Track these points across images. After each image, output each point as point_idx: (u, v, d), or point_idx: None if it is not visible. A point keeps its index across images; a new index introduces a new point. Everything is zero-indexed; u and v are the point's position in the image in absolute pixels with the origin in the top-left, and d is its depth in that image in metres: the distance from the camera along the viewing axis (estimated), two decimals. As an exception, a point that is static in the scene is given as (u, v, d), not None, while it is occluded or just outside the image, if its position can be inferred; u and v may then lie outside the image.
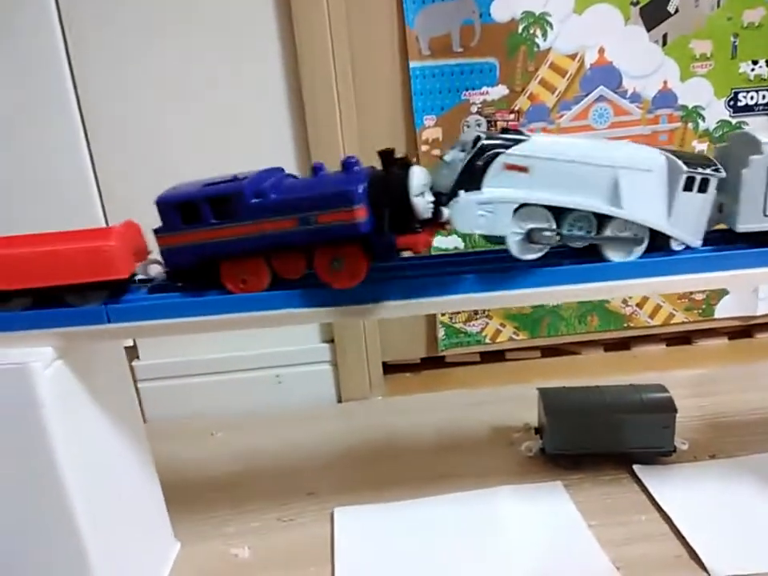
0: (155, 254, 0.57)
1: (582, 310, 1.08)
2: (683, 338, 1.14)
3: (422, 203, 0.50)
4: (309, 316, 0.55)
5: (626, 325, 1.10)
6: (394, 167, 0.51)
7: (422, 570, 0.66)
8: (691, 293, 1.08)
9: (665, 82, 0.98)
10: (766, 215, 0.55)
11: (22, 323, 0.52)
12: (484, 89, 0.97)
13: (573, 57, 0.96)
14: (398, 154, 0.51)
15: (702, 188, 0.54)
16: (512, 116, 0.98)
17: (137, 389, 0.77)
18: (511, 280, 0.54)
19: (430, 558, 0.67)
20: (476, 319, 1.08)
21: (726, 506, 0.70)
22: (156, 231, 0.54)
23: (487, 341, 1.10)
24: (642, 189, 0.54)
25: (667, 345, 1.14)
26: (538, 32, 0.95)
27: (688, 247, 0.56)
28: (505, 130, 0.54)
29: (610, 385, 0.79)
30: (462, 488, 0.77)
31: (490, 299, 0.55)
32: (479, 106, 0.97)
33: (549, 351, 1.13)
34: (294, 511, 0.77)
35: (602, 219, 0.54)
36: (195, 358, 1.01)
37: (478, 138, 0.52)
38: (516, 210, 0.52)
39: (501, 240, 0.54)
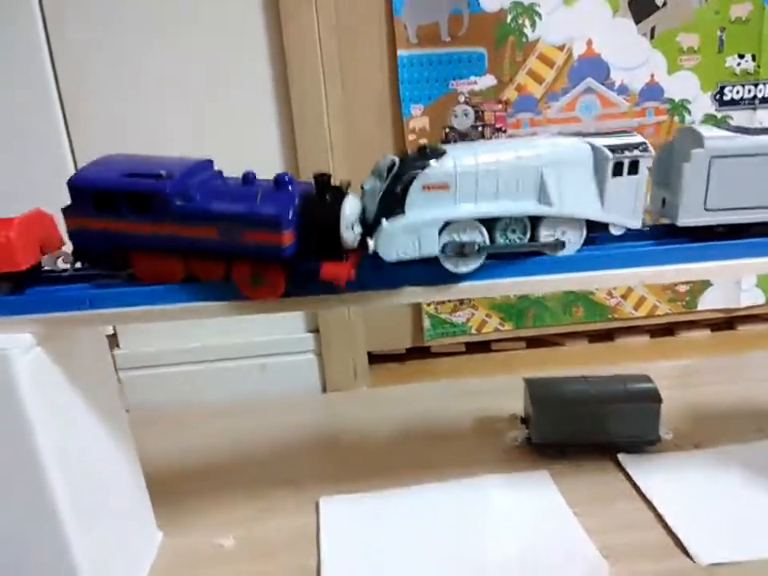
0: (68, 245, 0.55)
1: (567, 300, 1.09)
2: (667, 330, 1.15)
3: (351, 236, 0.50)
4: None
5: (610, 316, 1.11)
6: (329, 195, 0.49)
7: (408, 558, 0.66)
8: (675, 284, 1.09)
9: (652, 75, 0.99)
10: (706, 209, 0.55)
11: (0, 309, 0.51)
12: (472, 78, 0.96)
13: (561, 48, 0.96)
14: (335, 181, 0.50)
15: (632, 170, 0.53)
16: (499, 106, 0.98)
17: (118, 378, 0.76)
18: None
19: (416, 546, 0.67)
20: (462, 309, 1.08)
21: (710, 494, 0.71)
22: (64, 211, 0.52)
23: (473, 331, 1.10)
24: (570, 182, 0.53)
25: (651, 336, 1.15)
26: (527, 22, 0.94)
27: (629, 230, 0.55)
28: (421, 149, 0.52)
29: (595, 375, 0.80)
30: (449, 477, 0.77)
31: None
32: (467, 95, 0.97)
33: (534, 342, 1.14)
34: (278, 501, 0.76)
35: (535, 219, 0.54)
36: (178, 346, 1.00)
37: (393, 163, 0.51)
38: (444, 227, 0.51)
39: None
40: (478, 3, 0.93)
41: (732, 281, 1.09)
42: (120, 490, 0.64)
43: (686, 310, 1.11)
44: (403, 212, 0.50)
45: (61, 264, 0.56)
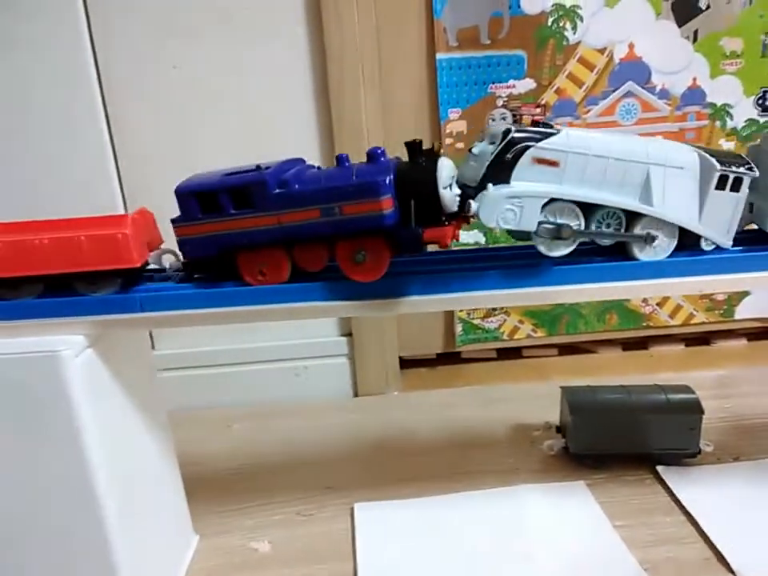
0: (168, 244, 0.56)
1: (602, 308, 1.08)
2: (702, 339, 1.13)
3: (450, 196, 0.49)
4: (330, 310, 0.53)
5: (645, 324, 1.09)
6: (422, 159, 0.49)
7: (444, 568, 0.65)
8: (712, 293, 1.07)
9: (694, 79, 0.97)
10: None
11: (52, 310, 0.52)
12: (511, 82, 0.95)
13: (602, 51, 0.95)
14: (426, 146, 0.50)
15: (735, 187, 0.53)
16: (538, 110, 0.97)
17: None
18: (536, 276, 0.53)
19: (452, 556, 0.66)
20: (494, 315, 1.07)
21: (751, 508, 0.69)
22: (174, 221, 0.53)
23: (504, 337, 1.09)
24: (674, 186, 0.53)
25: (686, 345, 1.13)
26: (568, 25, 0.93)
27: (718, 247, 0.55)
28: (535, 123, 0.52)
29: (635, 384, 0.78)
30: (484, 486, 0.76)
31: (513, 296, 0.54)
32: (505, 99, 0.96)
33: (566, 349, 1.13)
34: (313, 505, 0.76)
35: (632, 216, 0.53)
36: (212, 348, 1.01)
37: (508, 131, 0.50)
38: (545, 205, 0.51)
39: (525, 236, 0.53)
40: (519, 5, 0.92)
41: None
42: (160, 492, 0.65)
43: (722, 319, 1.10)
44: (509, 181, 0.50)
45: (166, 262, 0.56)
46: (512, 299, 0.54)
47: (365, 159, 0.52)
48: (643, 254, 0.54)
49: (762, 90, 0.98)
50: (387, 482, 0.78)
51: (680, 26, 0.95)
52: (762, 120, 0.99)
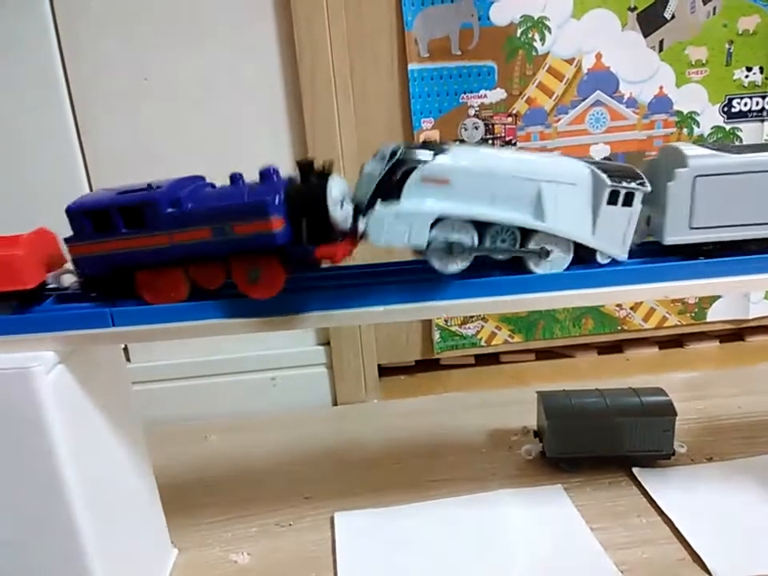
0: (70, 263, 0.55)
1: (577, 313, 1.09)
2: (675, 341, 1.15)
3: (341, 214, 0.49)
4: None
5: (619, 328, 1.11)
6: (312, 177, 0.50)
7: (423, 573, 0.65)
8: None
9: (661, 88, 0.99)
10: (691, 228, 0.55)
11: (22, 327, 0.51)
12: (482, 92, 0.97)
13: (570, 61, 0.97)
14: (317, 165, 0.50)
15: (627, 202, 0.53)
16: (510, 119, 0.98)
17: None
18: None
19: (432, 562, 0.67)
20: (472, 322, 1.08)
21: (726, 508, 0.71)
22: (67, 240, 0.53)
23: (482, 343, 1.10)
24: (566, 202, 0.53)
25: (660, 348, 1.15)
26: (537, 36, 0.95)
27: (614, 260, 0.55)
28: (425, 143, 0.52)
29: (609, 388, 0.80)
30: (463, 492, 0.76)
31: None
32: (477, 109, 0.97)
33: (543, 354, 1.14)
34: (292, 516, 0.76)
35: (526, 232, 0.54)
36: (188, 360, 1.00)
37: (397, 149, 0.51)
38: (436, 223, 0.51)
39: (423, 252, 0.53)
40: (488, 17, 0.93)
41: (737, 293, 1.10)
42: (136, 506, 0.64)
43: (695, 322, 1.12)
44: (398, 199, 0.50)
45: (65, 281, 0.56)
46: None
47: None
48: (539, 268, 0.55)
49: (727, 97, 1.01)
50: (367, 491, 0.79)
51: (646, 36, 0.97)
52: (727, 127, 1.02)
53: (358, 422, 0.98)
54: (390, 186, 0.50)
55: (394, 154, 0.50)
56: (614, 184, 0.53)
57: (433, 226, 0.51)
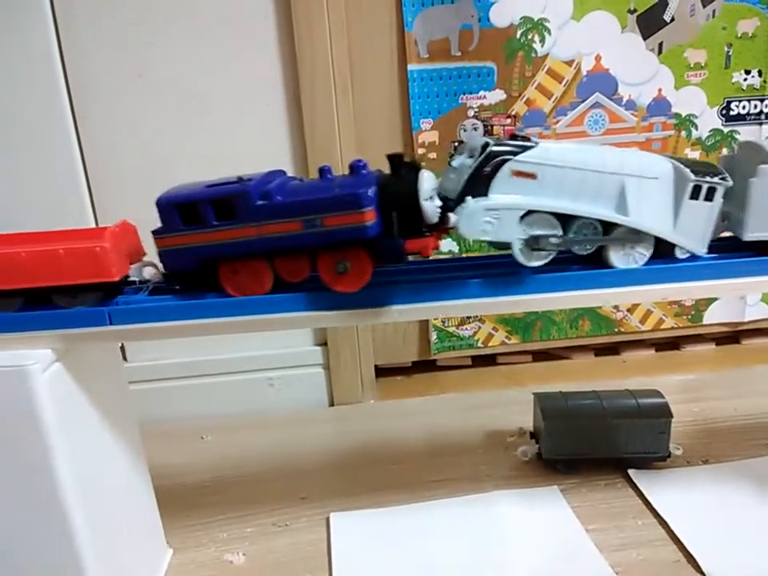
0: (150, 256, 0.56)
1: (574, 314, 1.09)
2: (672, 344, 1.15)
3: (431, 208, 0.50)
4: (313, 320, 0.54)
5: (616, 330, 1.11)
6: (403, 171, 0.50)
7: (419, 574, 0.65)
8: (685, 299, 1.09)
9: (659, 90, 0.99)
10: None
11: (20, 324, 0.51)
12: (481, 93, 0.97)
13: (570, 63, 0.97)
14: (407, 158, 0.51)
15: (709, 196, 0.54)
16: (509, 121, 0.98)
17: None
18: (515, 285, 0.54)
19: (428, 564, 0.67)
20: (468, 323, 1.08)
21: (721, 510, 0.71)
22: (155, 232, 0.53)
23: (479, 345, 1.10)
24: (649, 196, 0.54)
25: (656, 350, 1.15)
26: (536, 38, 0.95)
27: (693, 255, 0.56)
28: (513, 136, 0.53)
29: (606, 390, 0.80)
30: (459, 493, 0.76)
31: (493, 304, 0.54)
32: (476, 110, 0.97)
33: (540, 355, 1.14)
34: (288, 516, 0.76)
35: (608, 226, 0.54)
36: (185, 359, 1.00)
37: (487, 144, 0.51)
38: (523, 217, 0.52)
39: (504, 246, 0.54)
40: (488, 18, 0.93)
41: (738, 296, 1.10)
42: (132, 506, 0.64)
43: (691, 324, 1.12)
44: (488, 193, 0.51)
45: (147, 274, 0.56)
46: (492, 308, 0.55)
47: (347, 171, 0.52)
48: (620, 263, 0.55)
49: (726, 100, 1.01)
50: (363, 491, 0.78)
51: (645, 39, 0.97)
52: (725, 130, 1.02)
53: (354, 423, 0.98)
54: (479, 180, 0.51)
55: (483, 148, 0.51)
56: (698, 179, 0.53)
57: (520, 219, 0.52)
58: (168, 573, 0.68)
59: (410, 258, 0.55)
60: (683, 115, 1.01)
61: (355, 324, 0.54)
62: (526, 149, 0.52)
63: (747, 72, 0.99)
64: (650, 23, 0.96)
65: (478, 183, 0.51)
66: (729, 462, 0.79)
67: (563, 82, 0.97)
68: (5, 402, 0.49)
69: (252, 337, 0.93)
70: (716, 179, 0.54)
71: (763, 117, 1.01)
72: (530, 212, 0.52)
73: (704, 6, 0.96)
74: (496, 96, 0.97)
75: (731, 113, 1.01)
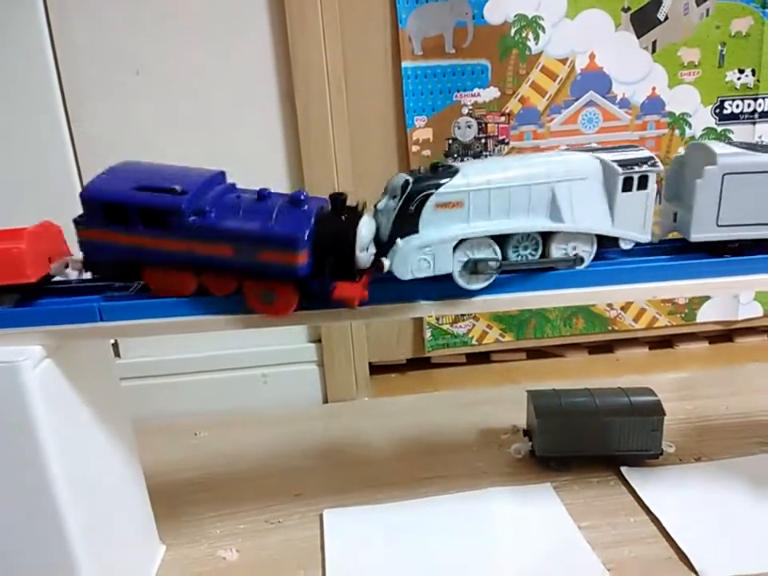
0: (76, 254, 0.55)
1: (568, 312, 1.09)
2: (665, 342, 1.16)
3: (365, 257, 0.50)
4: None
5: (610, 328, 1.11)
6: (344, 215, 0.49)
7: (413, 572, 0.66)
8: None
9: (653, 89, 0.99)
10: (718, 225, 0.55)
11: (10, 321, 0.51)
12: (475, 90, 0.97)
13: (564, 61, 0.97)
14: (350, 202, 0.51)
15: (642, 185, 0.54)
16: (503, 118, 0.98)
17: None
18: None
19: (421, 560, 0.67)
20: (463, 320, 1.08)
21: (713, 508, 0.71)
22: (76, 222, 0.51)
23: (473, 342, 1.10)
24: (580, 197, 0.53)
25: (650, 348, 1.15)
26: (530, 35, 0.95)
27: (638, 244, 0.56)
28: (433, 166, 0.52)
29: (599, 387, 0.80)
30: (452, 490, 0.77)
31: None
32: (470, 107, 0.97)
33: (534, 353, 1.14)
34: (281, 513, 0.76)
35: (547, 234, 0.54)
36: (178, 356, 1.00)
37: (407, 183, 0.51)
38: (458, 245, 0.52)
39: None
40: (483, 16, 0.93)
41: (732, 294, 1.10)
42: (124, 502, 0.64)
43: (684, 323, 1.12)
44: (417, 231, 0.51)
45: (70, 272, 0.55)
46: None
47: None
48: (573, 267, 0.55)
49: (719, 99, 1.01)
50: (356, 488, 0.79)
51: (639, 37, 0.97)
52: (719, 129, 1.02)
53: (348, 420, 0.98)
54: (406, 219, 0.51)
55: (404, 187, 0.51)
56: (626, 171, 0.53)
57: (454, 248, 0.51)
58: (161, 569, 0.68)
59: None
60: (677, 114, 1.01)
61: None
62: (446, 179, 0.51)
63: (741, 71, 0.99)
64: (643, 22, 0.96)
65: (406, 222, 0.51)
66: (721, 459, 0.79)
67: (557, 80, 0.98)
68: (-5, 398, 0.49)
69: (245, 333, 0.92)
70: (645, 167, 0.53)
71: (756, 116, 1.02)
72: (464, 238, 0.52)
73: (698, 5, 0.97)
74: (490, 93, 0.97)
75: (725, 111, 1.02)
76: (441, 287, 0.54)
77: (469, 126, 0.98)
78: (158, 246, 0.50)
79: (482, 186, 0.51)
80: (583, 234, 0.54)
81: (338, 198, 0.50)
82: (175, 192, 0.49)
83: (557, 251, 0.54)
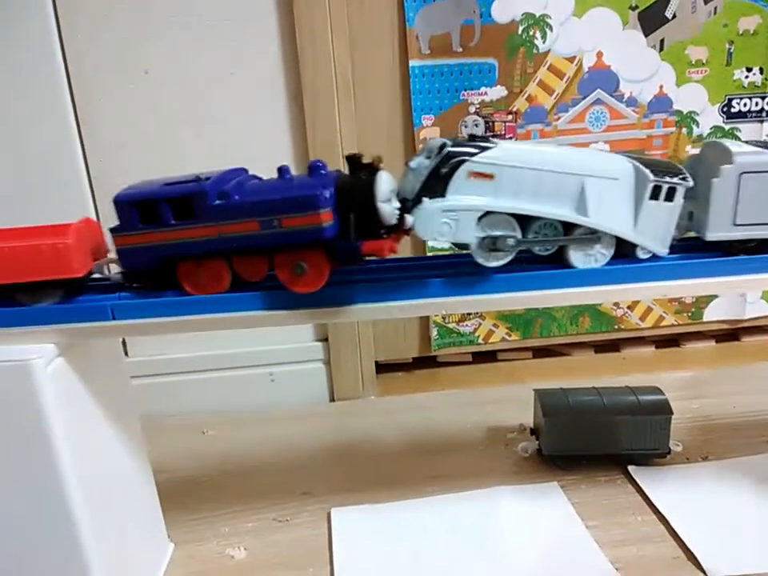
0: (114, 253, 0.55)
1: (575, 311, 1.09)
2: (672, 341, 1.16)
3: (389, 209, 0.49)
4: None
5: (616, 327, 1.11)
6: (362, 172, 0.50)
7: (420, 571, 0.66)
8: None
9: (661, 87, 0.99)
10: (735, 224, 0.55)
11: (23, 319, 0.51)
12: (483, 89, 0.97)
13: (571, 59, 0.97)
14: (366, 159, 0.50)
15: (669, 197, 0.54)
16: (510, 117, 0.98)
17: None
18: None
19: (428, 559, 0.67)
20: (469, 319, 1.08)
21: (721, 507, 0.71)
22: (113, 230, 0.53)
23: (479, 341, 1.10)
24: (608, 197, 0.54)
25: (656, 347, 1.15)
26: (538, 34, 0.95)
27: (654, 255, 0.56)
28: (472, 137, 0.53)
29: (606, 386, 0.80)
30: (459, 488, 0.76)
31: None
32: (477, 106, 0.97)
33: (540, 352, 1.14)
34: (289, 511, 0.76)
35: (568, 227, 0.54)
36: (186, 354, 1.00)
37: (444, 145, 0.51)
38: (481, 218, 0.52)
39: (465, 246, 0.54)
40: (490, 14, 0.93)
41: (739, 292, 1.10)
42: (134, 500, 0.64)
43: (691, 321, 1.12)
44: (444, 195, 0.51)
45: (111, 271, 0.56)
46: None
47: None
48: (581, 263, 0.55)
49: (727, 97, 1.01)
50: (364, 487, 0.79)
51: (647, 36, 0.97)
52: (726, 127, 1.02)
53: (355, 419, 0.98)
54: (436, 181, 0.51)
55: (440, 149, 0.51)
56: (657, 179, 0.53)
57: (478, 220, 0.52)
58: (169, 567, 0.69)
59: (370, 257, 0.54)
60: (684, 112, 1.01)
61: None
62: (483, 149, 0.51)
63: (748, 69, 0.99)
64: (651, 20, 0.96)
65: (435, 184, 0.51)
66: (728, 459, 0.79)
67: (564, 79, 0.97)
68: (8, 396, 0.49)
69: (253, 332, 0.92)
70: (676, 179, 0.54)
71: (764, 114, 1.02)
72: (488, 213, 0.52)
73: (705, 3, 0.96)
74: (497, 92, 0.97)
75: (732, 110, 1.01)
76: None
77: (476, 125, 0.98)
78: (190, 236, 0.51)
79: (516, 164, 0.51)
80: (604, 234, 0.54)
81: (353, 157, 0.50)
82: (199, 179, 0.51)
83: (576, 246, 0.54)
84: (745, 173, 0.54)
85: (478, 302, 0.54)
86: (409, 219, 0.50)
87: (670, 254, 0.56)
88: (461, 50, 0.95)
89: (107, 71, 0.89)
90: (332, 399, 1.04)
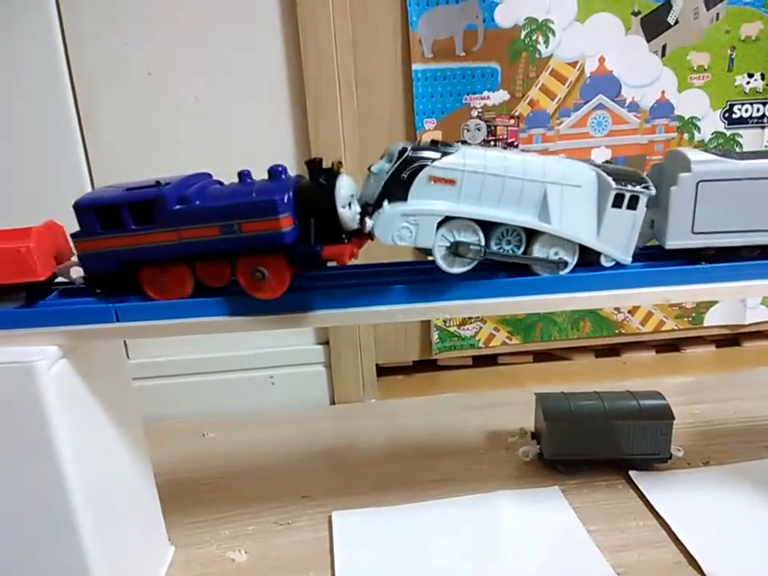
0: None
1: (575, 315, 1.09)
2: (672, 345, 1.16)
3: (349, 214, 0.49)
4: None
5: (617, 331, 1.11)
6: (321, 177, 0.50)
7: (421, 574, 0.65)
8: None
9: (662, 92, 1.00)
10: (693, 232, 0.55)
11: (26, 321, 0.51)
12: (485, 93, 0.97)
13: (573, 64, 0.97)
14: (327, 164, 0.50)
15: (632, 205, 0.54)
16: (512, 121, 0.98)
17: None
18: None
19: (429, 563, 0.67)
20: (470, 323, 1.08)
21: (722, 512, 0.71)
22: (74, 236, 0.53)
23: (480, 345, 1.10)
24: (571, 204, 0.53)
25: (657, 352, 1.15)
26: (540, 39, 0.95)
27: (618, 263, 0.56)
28: (434, 142, 0.52)
29: (607, 391, 0.80)
30: (460, 492, 0.77)
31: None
32: (480, 110, 0.98)
33: (540, 356, 1.14)
34: (290, 514, 0.76)
35: (531, 233, 0.54)
36: (187, 357, 1.00)
37: (404, 150, 0.51)
38: (442, 223, 0.51)
39: (429, 252, 0.53)
40: (493, 19, 0.94)
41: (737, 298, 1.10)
42: (135, 503, 0.64)
43: (692, 326, 1.12)
44: (406, 199, 0.50)
45: (74, 274, 0.56)
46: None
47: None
48: (544, 271, 0.55)
49: (728, 103, 1.01)
50: (364, 490, 0.79)
51: (649, 41, 0.97)
52: (728, 133, 1.02)
53: (355, 422, 0.98)
54: (397, 185, 0.50)
55: (401, 153, 0.50)
56: (619, 187, 0.53)
57: (439, 225, 0.51)
58: (170, 570, 0.68)
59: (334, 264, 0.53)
60: (686, 118, 1.01)
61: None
62: (444, 154, 0.51)
63: (750, 75, 1.00)
64: (653, 26, 0.97)
65: (396, 188, 0.50)
66: (729, 464, 0.79)
67: (567, 84, 0.98)
68: (11, 398, 0.49)
69: (253, 335, 0.93)
70: (638, 188, 0.53)
71: (765, 120, 1.02)
72: (450, 218, 0.52)
73: (708, 9, 0.97)
74: (499, 96, 0.97)
75: (734, 116, 1.02)
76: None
77: (478, 129, 0.98)
78: (151, 241, 0.51)
79: (477, 169, 0.51)
80: (567, 242, 0.54)
81: (313, 162, 0.50)
82: (159, 184, 0.51)
83: (539, 253, 0.54)
84: (702, 181, 0.54)
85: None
86: (368, 223, 0.50)
87: (633, 262, 0.56)
88: (464, 54, 0.95)
89: (110, 72, 0.89)
90: (332, 402, 1.04)
